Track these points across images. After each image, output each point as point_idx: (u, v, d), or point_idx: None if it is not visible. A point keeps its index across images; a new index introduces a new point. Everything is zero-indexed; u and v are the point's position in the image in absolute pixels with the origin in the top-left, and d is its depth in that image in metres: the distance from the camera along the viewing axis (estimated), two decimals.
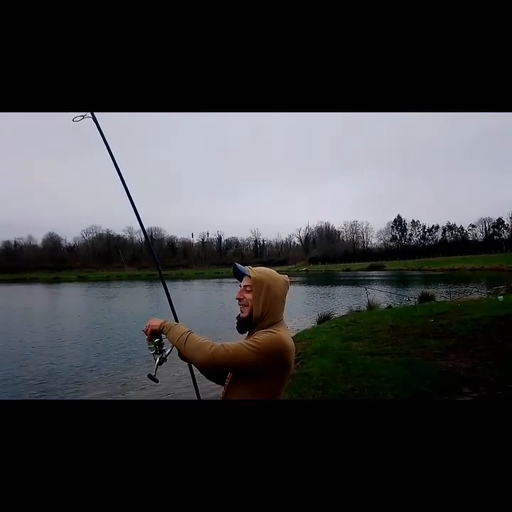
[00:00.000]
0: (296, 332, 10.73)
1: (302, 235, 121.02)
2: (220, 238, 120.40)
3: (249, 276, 1.58)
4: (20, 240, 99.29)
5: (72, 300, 28.96)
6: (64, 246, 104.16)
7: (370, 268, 76.25)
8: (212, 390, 2.01)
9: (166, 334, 1.63)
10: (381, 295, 18.52)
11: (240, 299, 1.60)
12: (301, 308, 18.62)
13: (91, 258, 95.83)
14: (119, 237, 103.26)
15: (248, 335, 1.61)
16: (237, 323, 1.63)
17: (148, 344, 1.68)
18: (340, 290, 30.39)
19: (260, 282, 1.58)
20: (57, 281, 60.19)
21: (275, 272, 1.67)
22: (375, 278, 46.15)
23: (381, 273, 62.00)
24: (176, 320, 1.81)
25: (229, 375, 1.60)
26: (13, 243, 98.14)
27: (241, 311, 1.61)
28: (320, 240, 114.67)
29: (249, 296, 1.58)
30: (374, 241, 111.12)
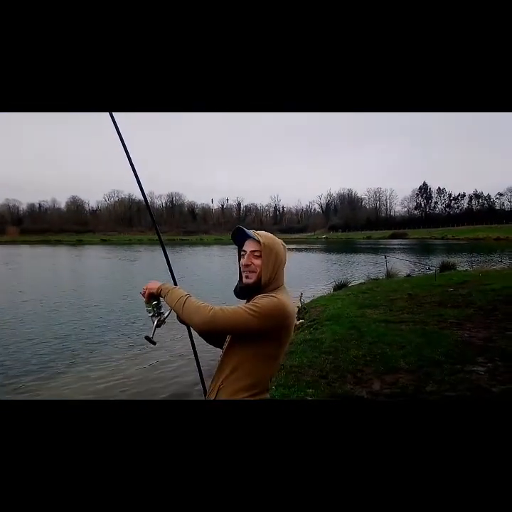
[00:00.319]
0: (312, 298, 10.72)
1: (323, 201, 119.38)
2: (239, 204, 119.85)
3: (258, 242, 1.54)
4: (45, 203, 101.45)
5: (100, 262, 29.65)
6: (87, 209, 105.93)
7: (393, 236, 75.05)
8: (208, 351, 1.99)
9: (163, 297, 1.61)
10: (401, 263, 18.20)
11: (247, 265, 1.55)
12: (319, 276, 18.60)
13: (113, 222, 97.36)
14: (140, 202, 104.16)
15: (247, 300, 1.57)
16: (240, 289, 1.60)
17: (146, 306, 1.68)
18: (360, 258, 30.05)
19: (269, 248, 1.55)
20: (80, 243, 61.66)
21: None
22: (396, 246, 45.42)
23: (403, 241, 61.01)
24: (175, 284, 1.78)
25: (227, 338, 1.57)
26: (37, 205, 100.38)
27: (246, 277, 1.57)
28: (342, 207, 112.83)
29: (257, 261, 1.54)
30: (398, 209, 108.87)
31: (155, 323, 1.68)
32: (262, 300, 1.45)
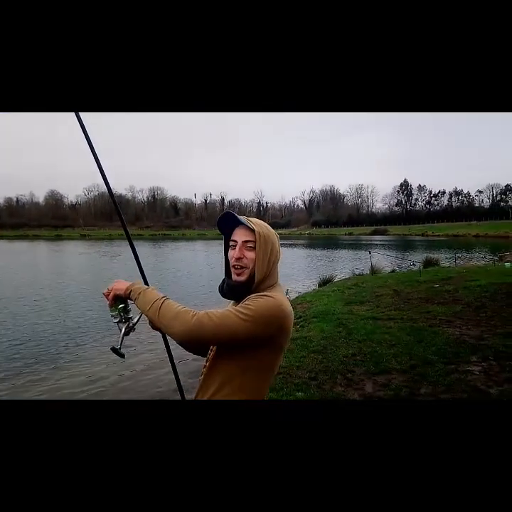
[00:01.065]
0: (297, 294, 10.51)
1: (306, 198, 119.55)
2: (223, 199, 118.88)
3: (252, 230, 1.26)
4: (23, 197, 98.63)
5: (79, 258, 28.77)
6: (66, 204, 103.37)
7: (374, 233, 75.88)
8: (185, 358, 1.70)
9: (134, 300, 1.31)
10: (384, 259, 18.20)
11: (239, 259, 1.27)
12: (303, 271, 18.42)
13: (93, 217, 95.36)
14: (121, 196, 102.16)
15: (237, 301, 1.29)
16: (229, 287, 1.32)
17: (111, 311, 1.37)
18: (343, 254, 30.01)
19: (265, 238, 1.28)
20: (59, 238, 59.96)
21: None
22: (378, 242, 45.71)
23: (384, 238, 61.62)
24: (146, 283, 1.44)
25: (213, 347, 1.29)
26: (15, 200, 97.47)
27: (237, 274, 1.29)
28: (324, 203, 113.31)
29: (251, 254, 1.27)
30: (379, 205, 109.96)
31: (122, 330, 1.37)
32: (255, 301, 1.19)
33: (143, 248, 38.85)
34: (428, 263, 15.39)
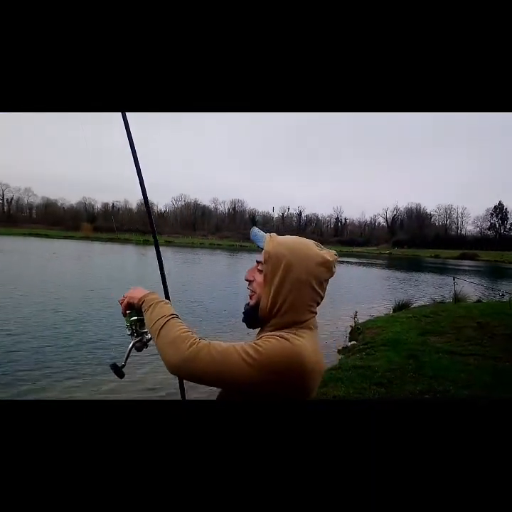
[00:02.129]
0: (368, 318, 10.02)
1: (389, 215, 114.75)
2: (300, 213, 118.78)
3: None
4: (118, 203, 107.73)
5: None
6: (155, 211, 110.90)
7: (462, 257, 70.20)
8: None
9: (143, 313, 1.17)
10: (471, 287, 16.69)
11: (249, 281, 1.12)
12: (378, 293, 17.59)
13: (178, 225, 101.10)
14: (205, 207, 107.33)
15: (259, 332, 1.11)
16: (244, 313, 1.13)
17: (125, 322, 1.25)
18: (425, 277, 28.18)
19: (276, 258, 1.05)
20: (146, 243, 64.30)
21: (310, 243, 1.09)
22: (466, 268, 42.26)
23: (473, 263, 56.80)
24: (167, 297, 1.32)
25: None
26: (111, 205, 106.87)
27: (249, 297, 1.12)
28: (408, 222, 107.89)
29: (260, 278, 1.08)
30: (469, 228, 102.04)
31: (131, 344, 1.24)
32: (266, 342, 0.98)
33: (220, 256, 40.22)
34: None
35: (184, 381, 1.59)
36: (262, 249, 1.08)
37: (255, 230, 1.14)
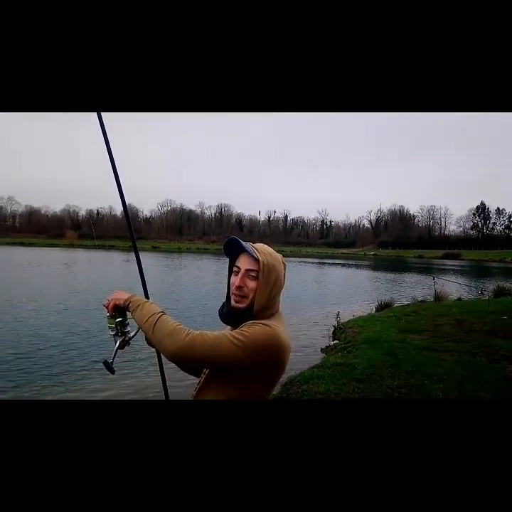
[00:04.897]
0: (350, 317, 10.23)
1: (373, 217, 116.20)
2: (286, 217, 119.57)
3: (256, 260, 1.26)
4: (102, 210, 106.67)
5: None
6: (141, 217, 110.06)
7: (445, 256, 71.39)
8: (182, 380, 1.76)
9: (131, 312, 1.33)
10: (452, 286, 17.07)
11: (239, 287, 1.28)
12: (361, 294, 17.87)
13: (165, 230, 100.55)
14: (191, 211, 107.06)
15: (235, 327, 1.30)
16: (227, 312, 1.34)
17: (109, 323, 1.39)
18: (408, 278, 28.63)
19: (270, 269, 1.28)
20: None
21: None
22: (450, 267, 42.96)
23: (457, 262, 57.78)
24: (147, 297, 1.48)
25: (206, 370, 1.34)
26: (95, 212, 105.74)
27: (236, 301, 1.30)
28: (392, 223, 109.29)
29: (252, 284, 1.27)
30: (452, 228, 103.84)
31: (117, 344, 1.39)
32: (251, 328, 1.20)
33: (208, 262, 40.16)
34: (500, 292, 14.16)
35: (167, 381, 1.78)
36: (255, 259, 1.27)
37: (240, 240, 1.30)
